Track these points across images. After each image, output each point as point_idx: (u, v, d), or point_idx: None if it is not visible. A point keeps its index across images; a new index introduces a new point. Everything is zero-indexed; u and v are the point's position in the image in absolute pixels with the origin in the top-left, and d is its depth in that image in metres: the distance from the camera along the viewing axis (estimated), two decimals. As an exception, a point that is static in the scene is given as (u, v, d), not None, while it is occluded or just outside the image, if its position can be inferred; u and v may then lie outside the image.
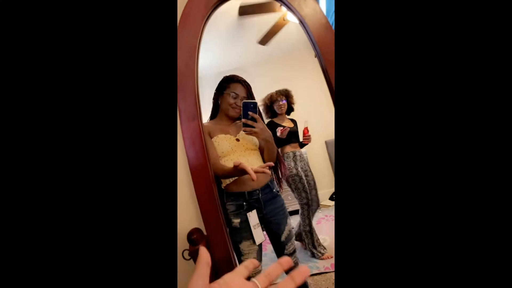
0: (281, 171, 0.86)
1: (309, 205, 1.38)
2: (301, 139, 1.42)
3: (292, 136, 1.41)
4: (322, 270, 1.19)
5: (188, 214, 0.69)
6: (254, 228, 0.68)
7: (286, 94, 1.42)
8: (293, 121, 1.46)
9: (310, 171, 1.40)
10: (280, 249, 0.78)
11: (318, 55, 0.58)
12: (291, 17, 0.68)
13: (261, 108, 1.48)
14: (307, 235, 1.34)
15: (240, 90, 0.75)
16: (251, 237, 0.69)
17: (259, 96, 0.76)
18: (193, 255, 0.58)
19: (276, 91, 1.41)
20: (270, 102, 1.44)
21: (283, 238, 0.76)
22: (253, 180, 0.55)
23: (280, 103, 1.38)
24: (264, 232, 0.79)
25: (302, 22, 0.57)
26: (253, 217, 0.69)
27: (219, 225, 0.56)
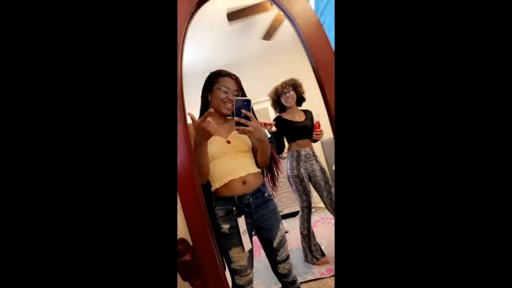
0: (276, 173, 0.80)
1: (310, 209, 1.28)
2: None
3: (302, 131, 1.26)
4: (318, 276, 1.16)
5: (173, 223, 0.65)
6: (243, 235, 0.65)
7: (292, 84, 1.27)
8: (307, 112, 1.30)
9: (320, 170, 1.25)
10: (272, 256, 0.75)
11: (308, 55, 0.55)
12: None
13: (269, 103, 1.36)
14: (304, 239, 1.26)
15: (230, 84, 0.71)
16: (240, 243, 0.66)
17: (251, 95, 0.72)
18: (178, 267, 0.54)
19: (281, 82, 1.27)
20: (276, 95, 1.29)
21: (275, 244, 0.73)
22: (205, 127, 0.55)
23: (287, 94, 1.23)
24: (255, 237, 0.76)
25: (291, 20, 0.55)
26: (242, 222, 0.66)
27: (206, 236, 0.53)
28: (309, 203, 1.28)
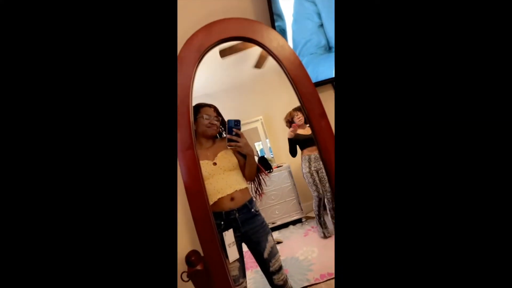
0: (259, 189, 0.89)
1: (319, 197, 1.51)
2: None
3: (308, 141, 1.60)
4: (312, 282, 1.23)
5: (185, 238, 0.72)
6: (229, 247, 0.71)
7: (299, 109, 1.62)
8: None
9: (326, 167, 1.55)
10: (264, 267, 0.81)
11: (294, 89, 0.68)
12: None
13: (257, 124, 1.63)
14: (316, 218, 1.50)
15: (210, 112, 0.83)
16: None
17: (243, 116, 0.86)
18: (192, 276, 0.61)
19: (293, 109, 1.62)
20: (291, 117, 1.64)
21: (265, 255, 0.80)
22: None
23: (297, 116, 1.58)
24: (247, 250, 0.82)
25: (280, 64, 0.68)
26: (228, 236, 0.72)
27: (215, 246, 0.60)
28: (318, 192, 1.51)
